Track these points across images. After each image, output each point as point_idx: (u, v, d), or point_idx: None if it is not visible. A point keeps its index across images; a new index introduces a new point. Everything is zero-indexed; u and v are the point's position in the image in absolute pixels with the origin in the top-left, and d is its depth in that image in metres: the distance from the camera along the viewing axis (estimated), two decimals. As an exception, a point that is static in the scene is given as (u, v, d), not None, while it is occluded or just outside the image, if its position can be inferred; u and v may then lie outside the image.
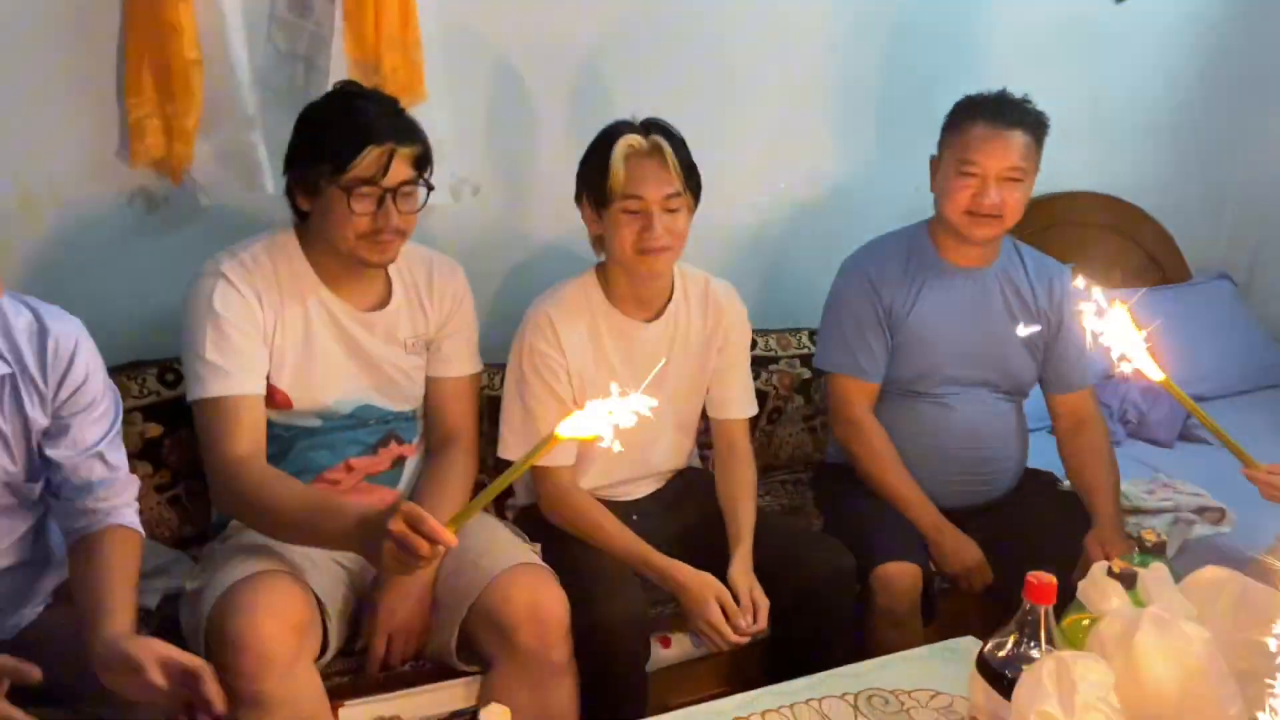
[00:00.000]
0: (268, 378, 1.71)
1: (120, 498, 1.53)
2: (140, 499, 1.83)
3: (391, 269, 1.81)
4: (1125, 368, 1.43)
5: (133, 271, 1.94)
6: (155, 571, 1.85)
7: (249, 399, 1.67)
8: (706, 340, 2.01)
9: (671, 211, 1.81)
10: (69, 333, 1.46)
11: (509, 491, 2.12)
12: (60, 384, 1.46)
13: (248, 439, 1.66)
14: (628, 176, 1.79)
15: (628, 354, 1.95)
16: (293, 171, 1.70)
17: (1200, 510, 2.25)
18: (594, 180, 1.83)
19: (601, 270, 1.95)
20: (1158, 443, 2.65)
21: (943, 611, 2.00)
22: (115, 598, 1.40)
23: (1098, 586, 1.22)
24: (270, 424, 1.73)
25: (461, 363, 1.90)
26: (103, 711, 1.38)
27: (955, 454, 2.09)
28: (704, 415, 2.10)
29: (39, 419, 1.45)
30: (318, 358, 1.75)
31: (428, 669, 1.70)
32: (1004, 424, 2.14)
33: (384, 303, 1.81)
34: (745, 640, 1.78)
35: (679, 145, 1.83)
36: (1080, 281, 1.45)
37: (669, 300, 1.97)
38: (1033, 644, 1.17)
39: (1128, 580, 1.23)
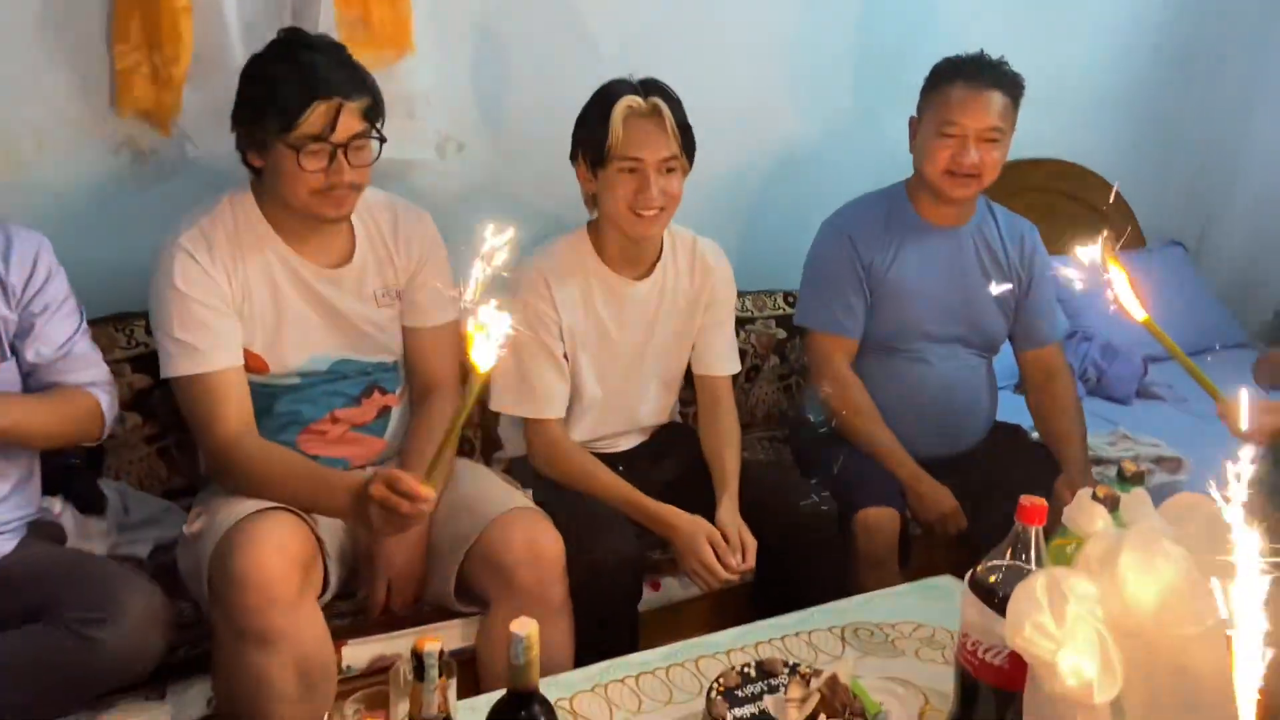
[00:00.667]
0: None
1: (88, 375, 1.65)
2: (130, 450, 1.86)
3: (355, 220, 1.79)
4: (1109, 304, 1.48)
5: (120, 222, 1.93)
6: (146, 521, 1.87)
7: (228, 373, 1.67)
8: (694, 299, 2.05)
9: (668, 173, 1.84)
10: (31, 240, 1.61)
11: (496, 444, 2.15)
12: (26, 283, 1.59)
13: (235, 415, 1.67)
14: (627, 137, 1.81)
15: (618, 311, 1.98)
16: (240, 127, 1.66)
17: (1158, 460, 2.37)
18: (592, 139, 1.84)
19: (593, 228, 1.97)
20: (1116, 399, 2.76)
21: (916, 556, 2.08)
22: None
23: (1084, 510, 1.29)
24: (251, 384, 1.73)
25: (438, 311, 1.88)
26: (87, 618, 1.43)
27: (930, 407, 2.16)
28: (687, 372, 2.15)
29: (6, 314, 1.56)
30: (288, 319, 1.75)
31: (427, 612, 1.74)
32: (976, 379, 2.21)
33: (348, 257, 1.79)
34: (735, 579, 1.84)
35: (676, 106, 1.85)
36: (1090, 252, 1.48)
37: (658, 259, 2.01)
38: (1024, 563, 1.23)
39: (1111, 504, 1.30)
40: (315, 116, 1.58)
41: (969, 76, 2.04)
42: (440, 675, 1.05)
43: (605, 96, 1.84)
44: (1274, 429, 1.69)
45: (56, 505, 1.75)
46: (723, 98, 2.46)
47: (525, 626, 1.04)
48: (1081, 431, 2.17)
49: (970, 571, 1.29)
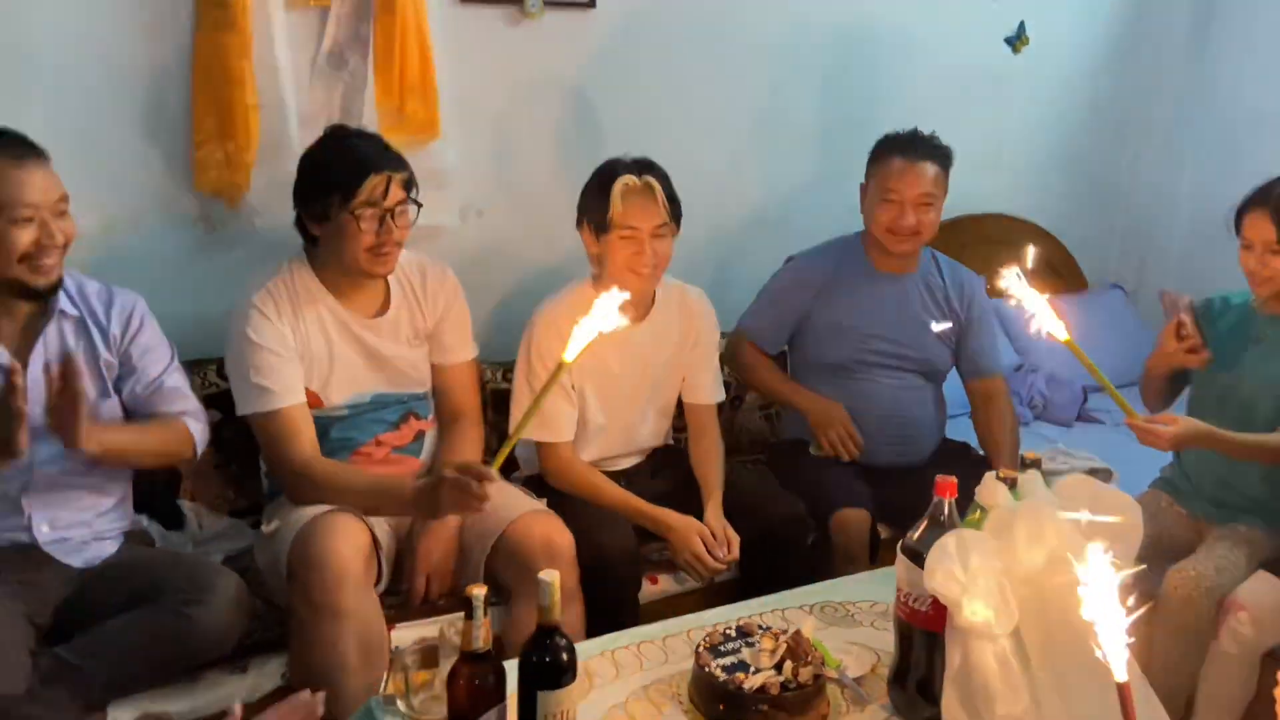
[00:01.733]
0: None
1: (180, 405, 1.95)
2: (202, 475, 2.19)
3: (390, 278, 2.13)
4: (1035, 327, 1.80)
5: (196, 283, 2.27)
6: (217, 536, 2.19)
7: (297, 408, 2.00)
8: (682, 338, 2.39)
9: (659, 238, 2.19)
10: (129, 297, 1.93)
11: (515, 466, 2.48)
12: (124, 333, 1.90)
13: (305, 442, 2.00)
14: (625, 210, 2.15)
15: (619, 350, 2.30)
16: (302, 205, 2.02)
17: (1091, 471, 2.69)
18: (594, 211, 2.19)
19: (596, 279, 2.30)
20: (1059, 423, 3.10)
21: (883, 557, 2.39)
22: None
23: (989, 488, 1.61)
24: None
25: (460, 351, 2.24)
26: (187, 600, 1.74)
27: (881, 422, 2.49)
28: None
29: (109, 358, 1.88)
30: (338, 362, 2.09)
31: (459, 601, 2.03)
32: (922, 399, 2.55)
33: (385, 308, 2.14)
34: (723, 568, 2.15)
35: (665, 181, 2.20)
36: (1014, 272, 1.81)
37: (652, 305, 2.35)
38: (940, 530, 1.56)
39: (1011, 483, 1.63)
40: (370, 186, 1.94)
41: (905, 150, 2.40)
42: (485, 615, 1.37)
43: (606, 173, 2.19)
44: (1172, 438, 2.03)
45: (143, 521, 2.08)
46: (703, 165, 2.83)
47: (551, 575, 1.36)
48: (1013, 441, 2.51)
49: (901, 541, 1.61)
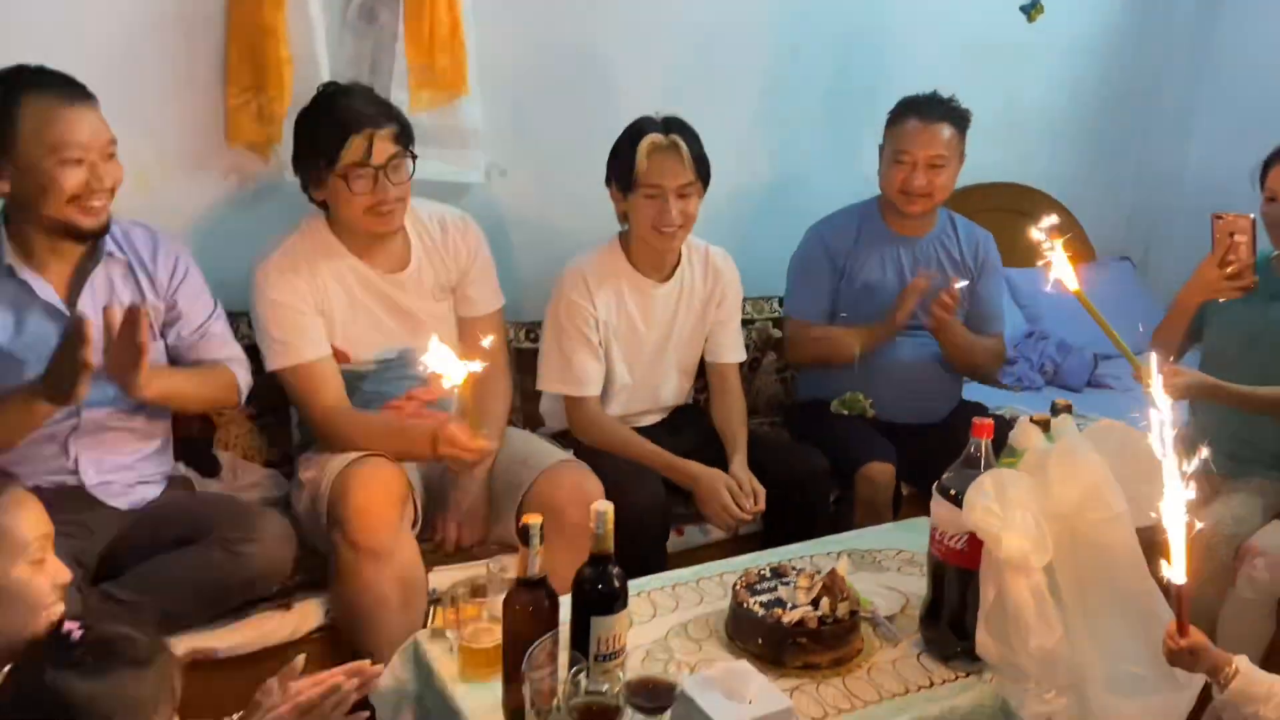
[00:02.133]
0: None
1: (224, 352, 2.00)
2: (237, 426, 2.22)
3: (410, 231, 2.14)
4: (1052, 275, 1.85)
5: (228, 235, 2.29)
6: (251, 485, 2.22)
7: (320, 362, 2.04)
8: (707, 298, 2.42)
9: (684, 197, 2.21)
10: (176, 242, 1.99)
11: (538, 422, 2.51)
12: (170, 278, 1.94)
13: (331, 392, 2.04)
14: (650, 168, 2.18)
15: (645, 309, 2.35)
16: (299, 171, 2.03)
17: (1103, 431, 2.73)
18: (621, 169, 2.22)
19: (623, 239, 2.34)
20: (1070, 388, 3.15)
21: (905, 510, 2.43)
22: None
23: (1023, 431, 1.66)
24: (340, 373, 2.09)
25: (486, 302, 2.26)
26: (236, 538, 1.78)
27: (900, 382, 2.54)
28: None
29: (156, 303, 1.91)
30: (362, 317, 2.11)
31: (492, 548, 2.08)
32: (938, 360, 2.58)
33: (407, 263, 2.15)
34: (749, 519, 2.19)
35: (693, 140, 2.21)
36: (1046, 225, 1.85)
37: (678, 265, 2.38)
38: (975, 471, 1.60)
39: (1044, 426, 1.67)
40: (354, 148, 1.94)
41: (921, 112, 2.45)
42: (540, 544, 1.40)
43: (634, 132, 2.21)
44: (1179, 386, 2.08)
45: (181, 468, 2.10)
46: (724, 131, 2.81)
47: (605, 505, 1.40)
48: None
49: (936, 481, 1.66)
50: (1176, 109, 3.76)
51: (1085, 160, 3.67)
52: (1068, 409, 1.74)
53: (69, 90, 1.72)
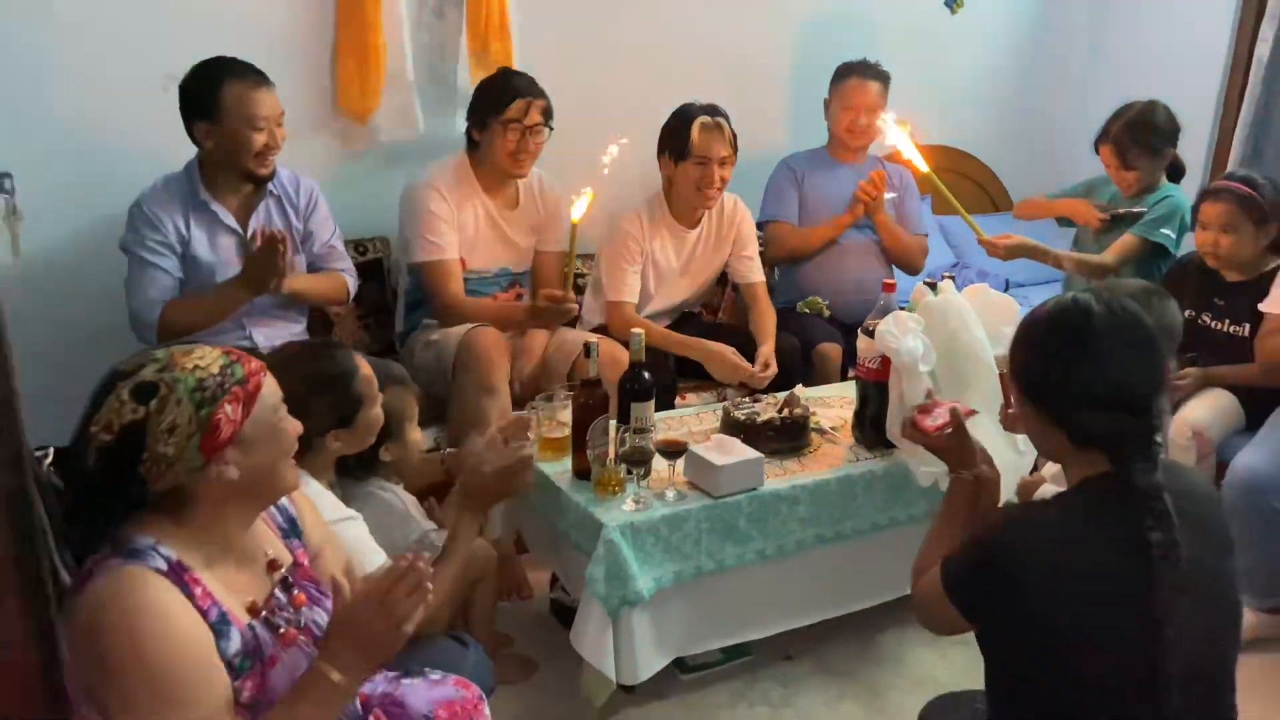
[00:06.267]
0: None
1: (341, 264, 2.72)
2: (348, 322, 2.96)
3: (520, 182, 2.92)
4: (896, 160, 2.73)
5: (335, 184, 2.98)
6: (362, 367, 2.95)
7: (452, 261, 2.81)
8: (724, 234, 3.18)
9: (724, 164, 2.96)
10: (310, 180, 2.69)
11: (578, 316, 3.24)
12: (307, 207, 2.64)
13: (456, 282, 2.81)
14: (700, 141, 2.92)
15: (677, 247, 3.12)
16: (471, 116, 2.80)
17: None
18: (675, 142, 2.95)
19: (666, 193, 3.07)
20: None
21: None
22: None
23: (918, 290, 2.42)
24: None
25: (555, 241, 3.03)
26: None
27: (851, 282, 3.34)
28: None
29: (298, 225, 2.62)
30: (481, 239, 2.88)
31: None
32: (871, 250, 3.40)
33: (517, 203, 2.94)
34: (760, 381, 2.90)
35: (729, 121, 2.97)
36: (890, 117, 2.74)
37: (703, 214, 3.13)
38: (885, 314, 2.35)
39: (932, 287, 2.42)
40: (516, 107, 2.73)
41: (859, 72, 3.31)
42: (597, 356, 2.16)
43: (684, 114, 2.96)
44: (1008, 245, 2.95)
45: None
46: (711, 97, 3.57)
47: (640, 330, 2.16)
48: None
49: (860, 327, 2.41)
50: (1078, 78, 4.49)
51: (1004, 125, 4.41)
52: (951, 278, 2.51)
53: (256, 76, 2.44)
